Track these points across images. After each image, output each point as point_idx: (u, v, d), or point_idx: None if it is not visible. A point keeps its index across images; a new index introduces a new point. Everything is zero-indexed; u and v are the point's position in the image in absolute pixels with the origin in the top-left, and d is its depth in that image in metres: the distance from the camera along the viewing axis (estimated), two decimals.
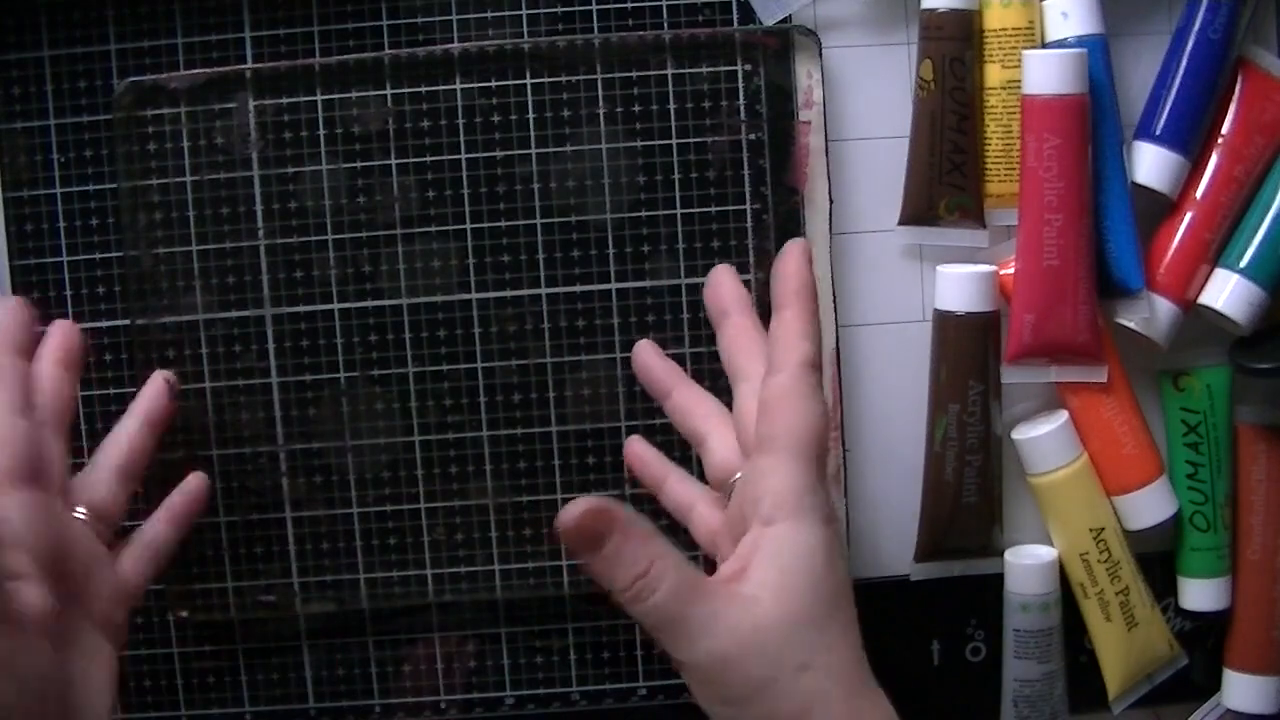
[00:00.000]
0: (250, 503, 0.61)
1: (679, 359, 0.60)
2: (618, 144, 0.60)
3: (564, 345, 0.60)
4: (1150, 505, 0.60)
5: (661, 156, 0.60)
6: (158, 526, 0.56)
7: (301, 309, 0.60)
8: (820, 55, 0.59)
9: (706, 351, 0.60)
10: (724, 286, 0.57)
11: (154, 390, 0.57)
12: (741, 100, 0.60)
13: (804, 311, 0.51)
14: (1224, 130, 0.59)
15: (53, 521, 0.49)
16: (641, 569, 0.45)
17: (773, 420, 0.49)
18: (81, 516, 0.52)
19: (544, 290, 0.60)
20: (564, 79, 0.60)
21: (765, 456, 0.49)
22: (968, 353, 0.58)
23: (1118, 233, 0.58)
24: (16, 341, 0.53)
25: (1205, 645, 0.63)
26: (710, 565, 0.53)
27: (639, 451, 0.59)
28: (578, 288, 0.60)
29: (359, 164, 0.60)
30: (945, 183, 0.58)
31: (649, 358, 0.59)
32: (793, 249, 0.53)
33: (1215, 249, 0.59)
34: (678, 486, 0.58)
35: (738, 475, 0.52)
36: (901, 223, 0.60)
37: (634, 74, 0.60)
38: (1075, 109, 0.56)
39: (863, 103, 0.60)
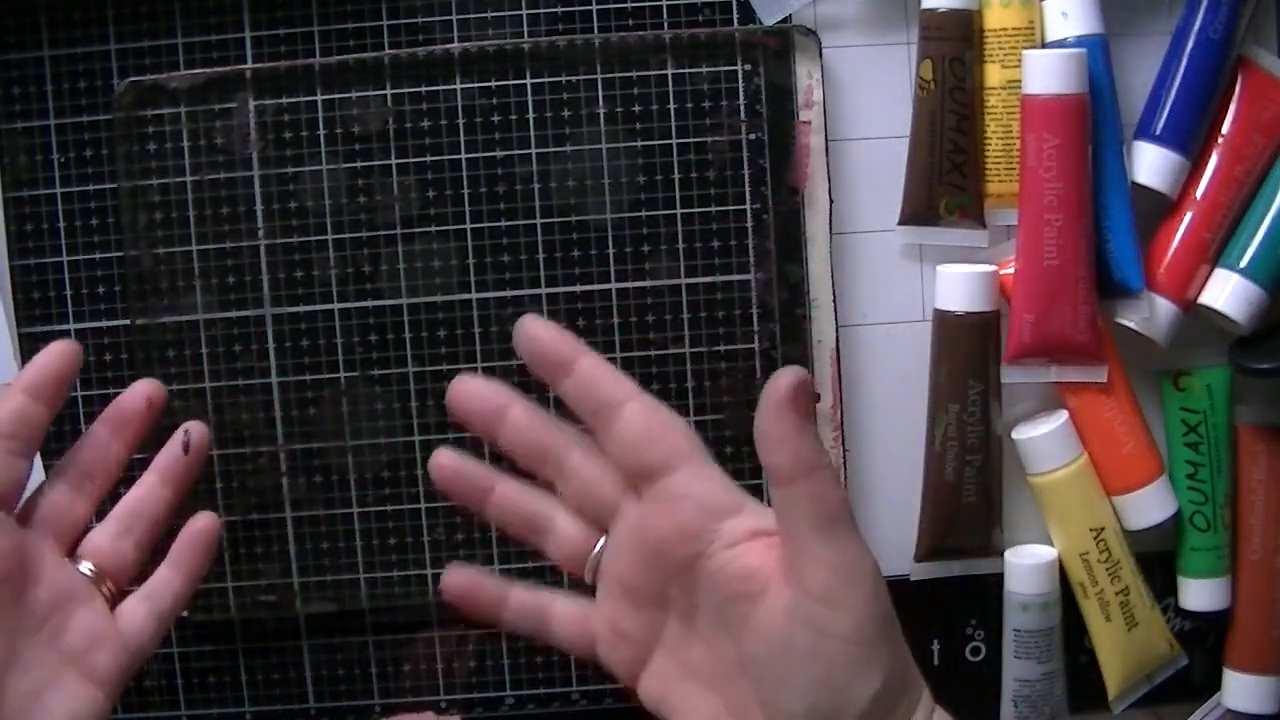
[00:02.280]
0: (250, 503, 0.61)
1: (678, 359, 0.60)
2: (618, 144, 0.60)
3: None
4: (1150, 505, 0.60)
5: (661, 156, 0.60)
6: (161, 575, 0.54)
7: (301, 309, 0.60)
8: (820, 55, 0.59)
9: (706, 351, 0.60)
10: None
11: (171, 447, 0.56)
12: (741, 100, 0.60)
13: (596, 357, 0.49)
14: (1224, 130, 0.59)
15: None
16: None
17: (660, 443, 0.46)
18: (87, 572, 0.52)
19: (544, 290, 0.60)
20: (564, 79, 0.60)
21: (675, 473, 0.46)
22: (968, 353, 0.58)
23: (1118, 233, 0.58)
24: (29, 384, 0.52)
25: (1205, 645, 0.63)
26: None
27: (464, 584, 0.52)
28: (578, 288, 0.60)
29: (359, 164, 0.60)
30: (945, 183, 0.58)
31: (459, 461, 0.51)
32: (530, 321, 0.49)
33: (1215, 249, 0.59)
34: (525, 594, 0.51)
35: (600, 542, 0.49)
36: (901, 222, 0.60)
37: (634, 74, 0.60)
38: (1075, 109, 0.56)
39: (863, 103, 0.60)
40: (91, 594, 0.52)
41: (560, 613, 0.51)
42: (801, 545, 0.43)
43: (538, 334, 0.49)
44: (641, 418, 0.47)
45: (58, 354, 0.52)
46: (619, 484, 0.48)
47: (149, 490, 0.55)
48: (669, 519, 0.46)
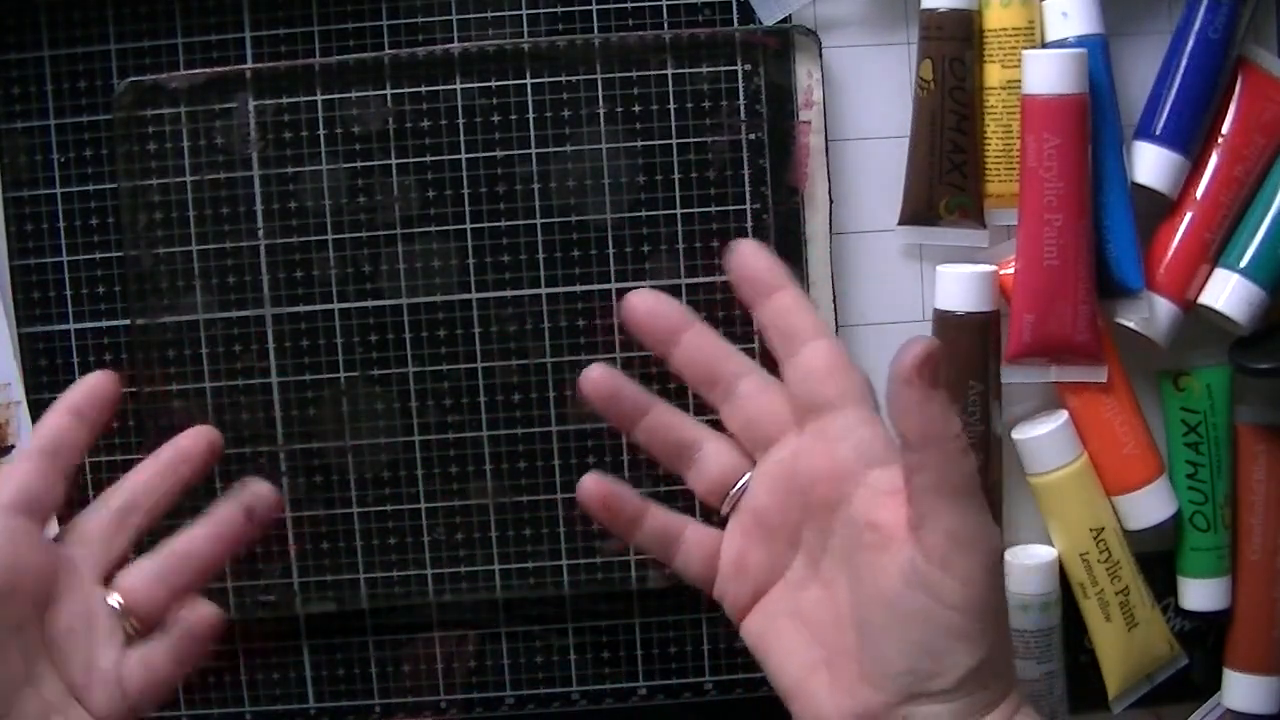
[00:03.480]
0: None
1: None
2: (618, 144, 0.60)
3: (564, 345, 0.60)
4: (1150, 505, 0.60)
5: (661, 156, 0.60)
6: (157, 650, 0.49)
7: (301, 309, 0.60)
8: (820, 55, 0.59)
9: None
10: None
11: (235, 507, 0.51)
12: (741, 100, 0.60)
13: (798, 291, 0.49)
14: (1224, 130, 0.59)
15: (31, 554, 0.47)
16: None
17: (837, 382, 0.47)
18: (115, 605, 0.49)
19: (544, 290, 0.60)
20: (564, 79, 0.60)
21: (842, 413, 0.47)
22: (968, 353, 0.58)
23: (1118, 233, 0.58)
24: (74, 404, 0.50)
25: (1205, 645, 0.63)
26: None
27: (603, 491, 0.51)
28: (578, 288, 0.60)
29: (359, 164, 0.60)
30: (945, 183, 0.58)
31: (616, 380, 0.51)
32: (746, 246, 0.50)
33: (1215, 249, 0.59)
34: (661, 516, 0.52)
35: (739, 484, 0.50)
36: (901, 223, 0.60)
37: (634, 74, 0.60)
38: (1075, 109, 0.56)
39: (863, 103, 0.60)
40: (112, 629, 0.49)
41: (690, 539, 0.51)
42: (925, 509, 0.43)
43: (749, 257, 0.49)
44: (827, 355, 0.48)
45: (104, 377, 0.51)
46: (782, 419, 0.49)
47: (201, 544, 0.51)
48: (825, 457, 0.47)
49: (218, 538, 0.51)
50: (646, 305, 0.50)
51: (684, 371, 0.51)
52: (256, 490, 0.51)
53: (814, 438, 0.48)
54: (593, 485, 0.51)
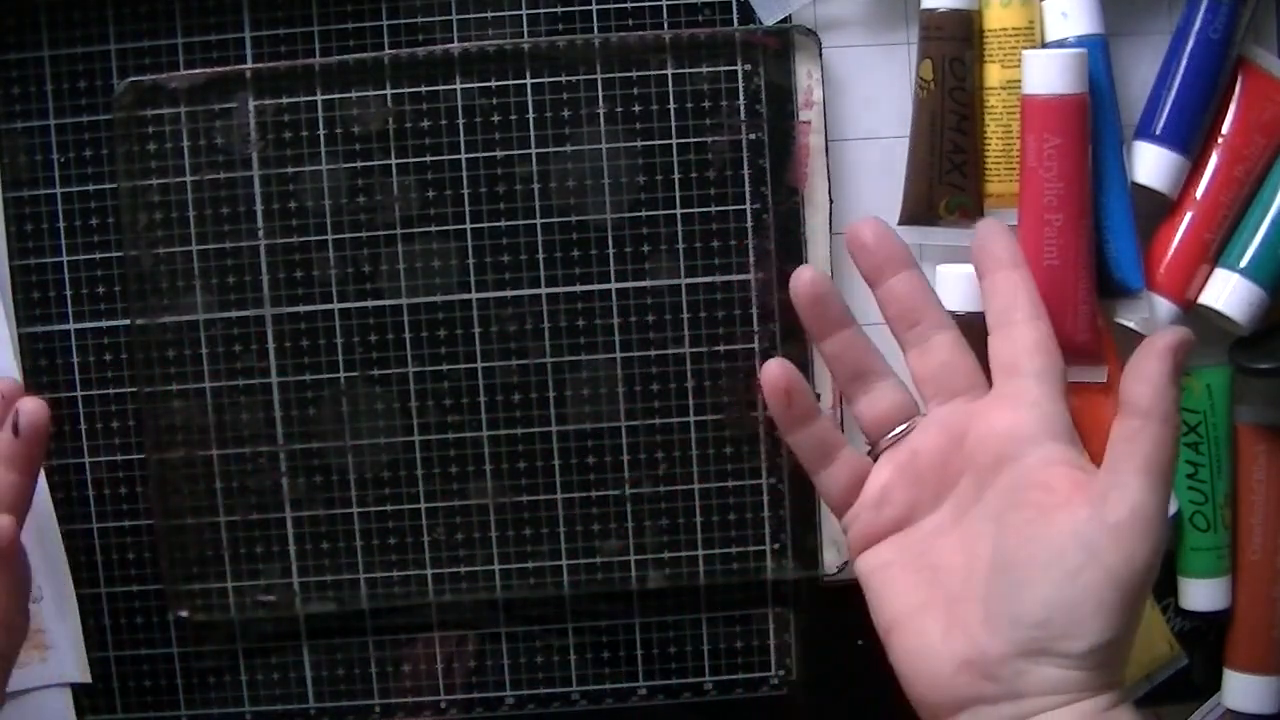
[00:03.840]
0: (250, 503, 0.61)
1: (678, 359, 0.60)
2: (618, 144, 0.60)
3: (564, 345, 0.60)
4: None
5: (661, 156, 0.60)
6: None
7: (301, 309, 0.60)
8: (820, 55, 0.59)
9: (706, 351, 0.60)
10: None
11: (6, 429, 0.53)
12: (741, 100, 0.60)
13: (1027, 274, 0.52)
14: (1224, 130, 0.59)
15: None
16: None
17: (1042, 358, 0.50)
18: None
19: (544, 290, 0.60)
20: (564, 79, 0.60)
21: (1036, 386, 0.49)
22: None
23: (1118, 233, 0.58)
24: None
25: (1205, 645, 0.63)
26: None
27: (788, 379, 0.52)
28: (578, 288, 0.60)
29: (359, 164, 0.60)
30: (945, 183, 0.58)
31: (827, 288, 0.53)
32: (990, 225, 0.53)
33: (1215, 249, 0.59)
34: (828, 426, 0.53)
35: (905, 425, 0.52)
36: (901, 223, 0.60)
37: (634, 74, 0.60)
38: (1075, 109, 0.56)
39: (863, 103, 0.60)
40: None
41: (842, 457, 0.53)
42: (1120, 476, 0.45)
43: (991, 237, 0.52)
44: (1041, 332, 0.51)
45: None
46: (968, 378, 0.52)
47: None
48: (1007, 419, 0.49)
49: (6, 466, 0.52)
50: (873, 231, 0.53)
51: (888, 304, 0.53)
52: (20, 408, 0.53)
53: (1000, 400, 0.50)
54: (778, 370, 0.53)
